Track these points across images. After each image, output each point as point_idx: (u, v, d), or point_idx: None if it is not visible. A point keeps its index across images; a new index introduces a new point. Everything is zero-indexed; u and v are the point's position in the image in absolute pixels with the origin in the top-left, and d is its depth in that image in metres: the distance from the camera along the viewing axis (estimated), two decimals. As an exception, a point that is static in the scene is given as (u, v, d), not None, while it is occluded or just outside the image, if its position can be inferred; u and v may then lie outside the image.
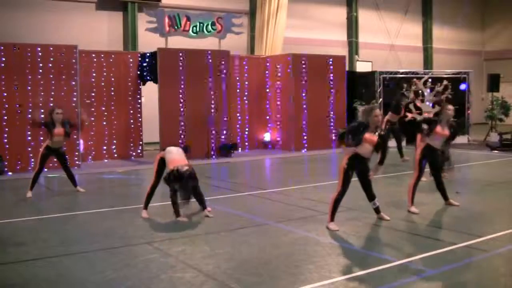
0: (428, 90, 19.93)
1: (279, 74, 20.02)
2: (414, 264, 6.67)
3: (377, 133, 8.42)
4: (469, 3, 35.19)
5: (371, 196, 8.79)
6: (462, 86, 22.05)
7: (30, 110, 14.93)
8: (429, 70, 27.39)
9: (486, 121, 24.42)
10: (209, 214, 9.47)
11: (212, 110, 17.85)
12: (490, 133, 22.49)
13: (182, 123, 17.30)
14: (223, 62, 18.14)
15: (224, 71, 18.16)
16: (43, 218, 9.53)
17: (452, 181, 11.59)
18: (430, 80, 20.46)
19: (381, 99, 21.25)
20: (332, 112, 20.35)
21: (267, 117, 20.51)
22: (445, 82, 19.80)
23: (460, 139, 21.64)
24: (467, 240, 7.58)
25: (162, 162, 9.37)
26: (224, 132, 18.14)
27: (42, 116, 13.61)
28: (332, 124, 20.40)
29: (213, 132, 17.82)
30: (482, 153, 18.66)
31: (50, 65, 15.44)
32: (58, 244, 7.74)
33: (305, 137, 19.77)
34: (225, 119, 18.15)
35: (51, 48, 15.59)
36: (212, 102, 17.87)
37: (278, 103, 20.09)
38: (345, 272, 6.37)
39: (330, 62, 20.44)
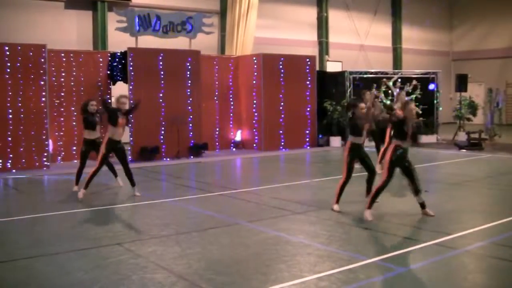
0: (398, 90, 20.21)
1: (249, 74, 20.02)
2: (384, 262, 6.74)
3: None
4: (437, 4, 35.63)
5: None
6: (431, 86, 22.32)
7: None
8: (399, 70, 27.64)
9: (454, 121, 24.75)
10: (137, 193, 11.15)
11: (183, 110, 17.79)
12: (458, 133, 22.81)
13: (153, 123, 17.23)
14: (193, 62, 18.10)
15: (195, 71, 18.12)
16: (12, 220, 9.40)
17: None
18: (399, 80, 20.72)
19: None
20: (302, 112, 20.44)
21: (238, 117, 20.50)
22: (414, 82, 20.08)
23: (429, 138, 21.97)
24: (436, 238, 7.68)
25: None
26: (195, 132, 18.09)
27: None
28: (302, 124, 20.50)
29: (184, 132, 17.76)
30: (450, 152, 18.91)
31: (18, 64, 15.21)
32: (27, 246, 7.65)
33: (275, 137, 19.82)
34: (195, 119, 18.09)
35: (19, 48, 15.35)
36: (183, 102, 17.82)
37: (249, 103, 20.08)
38: (315, 271, 6.41)
39: (301, 62, 20.53)
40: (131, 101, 12.88)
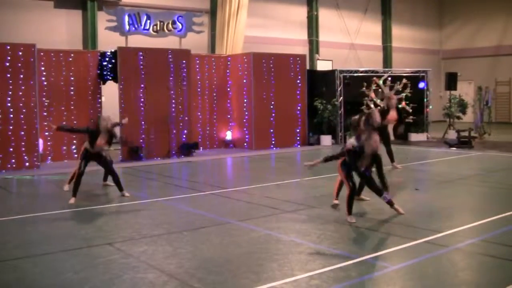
0: (387, 89, 20.24)
1: (240, 73, 20.01)
2: (375, 260, 6.75)
3: None
4: (426, 3, 35.73)
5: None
6: (421, 85, 22.38)
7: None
8: (389, 69, 27.71)
9: (444, 119, 24.84)
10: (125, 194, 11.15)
11: (173, 109, 17.76)
12: (448, 131, 22.89)
13: (143, 123, 17.20)
14: (183, 61, 18.06)
15: (185, 70, 18.08)
16: (1, 221, 9.34)
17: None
18: (389, 78, 20.75)
19: (341, 98, 21.42)
20: (293, 111, 20.45)
21: (228, 116, 20.49)
22: (404, 81, 20.12)
23: (419, 137, 22.04)
24: (427, 236, 7.70)
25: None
26: (185, 131, 18.06)
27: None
28: (293, 123, 20.50)
29: (174, 131, 17.73)
30: (440, 150, 18.96)
31: (8, 64, 15.13)
32: (16, 247, 7.61)
33: (265, 136, 19.81)
34: (186, 118, 18.06)
35: (8, 47, 15.26)
36: (173, 101, 17.79)
37: (239, 102, 20.07)
38: (307, 269, 6.40)
39: (291, 61, 20.54)
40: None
